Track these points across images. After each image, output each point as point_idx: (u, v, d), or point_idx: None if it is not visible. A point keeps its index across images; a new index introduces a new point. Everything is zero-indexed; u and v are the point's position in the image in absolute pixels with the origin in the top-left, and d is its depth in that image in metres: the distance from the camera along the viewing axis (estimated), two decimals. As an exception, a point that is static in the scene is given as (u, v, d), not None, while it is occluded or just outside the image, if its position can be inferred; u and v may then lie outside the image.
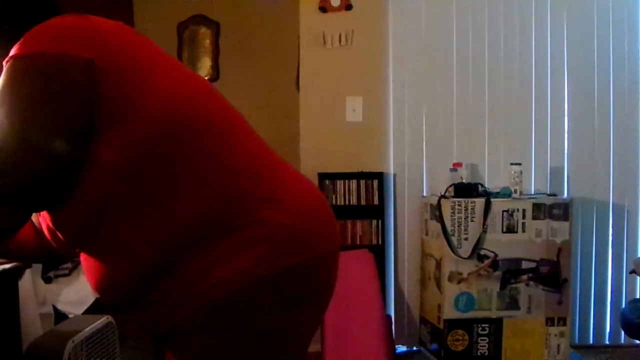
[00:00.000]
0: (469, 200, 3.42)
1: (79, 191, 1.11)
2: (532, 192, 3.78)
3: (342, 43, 3.84)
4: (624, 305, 3.64)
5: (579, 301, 3.85)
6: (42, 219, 1.24)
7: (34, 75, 1.10)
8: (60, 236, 1.20)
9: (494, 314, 3.43)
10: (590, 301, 3.89)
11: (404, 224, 3.90)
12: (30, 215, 1.19)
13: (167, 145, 1.12)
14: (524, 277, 3.42)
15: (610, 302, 3.89)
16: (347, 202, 3.74)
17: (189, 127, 1.15)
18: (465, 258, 3.38)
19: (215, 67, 4.71)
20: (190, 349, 1.15)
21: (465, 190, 3.50)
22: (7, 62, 1.12)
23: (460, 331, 3.42)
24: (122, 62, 1.14)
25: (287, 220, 1.15)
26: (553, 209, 3.43)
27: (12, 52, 1.13)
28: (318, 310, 1.26)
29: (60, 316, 3.09)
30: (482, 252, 3.40)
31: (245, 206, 1.13)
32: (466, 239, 3.40)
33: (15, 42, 1.14)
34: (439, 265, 3.47)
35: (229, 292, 1.10)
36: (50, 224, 1.20)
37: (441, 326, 3.44)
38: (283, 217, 1.15)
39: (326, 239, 1.24)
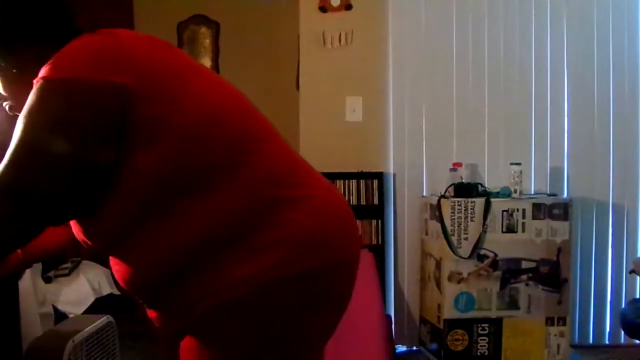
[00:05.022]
0: (469, 200, 3.42)
1: (111, 203, 1.14)
2: (532, 192, 3.78)
3: (342, 43, 3.84)
4: (624, 305, 3.64)
5: (579, 301, 3.85)
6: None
7: (61, 100, 1.11)
8: (90, 243, 1.23)
9: (493, 313, 3.43)
10: (590, 301, 3.89)
11: (404, 224, 3.90)
12: (42, 230, 1.20)
13: (199, 157, 1.14)
14: (524, 277, 3.42)
15: (610, 302, 3.89)
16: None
17: (221, 139, 1.16)
18: (465, 258, 3.38)
19: (215, 67, 4.71)
20: (208, 345, 1.16)
21: (465, 190, 3.50)
22: (37, 82, 1.13)
23: (460, 331, 3.42)
24: (154, 81, 1.14)
25: (311, 223, 1.17)
26: (553, 209, 3.43)
27: (42, 72, 1.13)
28: (336, 313, 1.27)
29: (60, 316, 3.09)
30: (482, 252, 3.40)
31: (271, 209, 1.15)
32: (466, 238, 3.40)
33: (41, 63, 1.15)
34: (438, 265, 3.47)
35: (249, 290, 1.11)
36: (80, 235, 1.23)
37: (441, 326, 3.44)
38: (307, 219, 1.17)
39: (348, 244, 1.25)
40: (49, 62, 1.13)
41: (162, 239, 1.14)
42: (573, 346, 3.69)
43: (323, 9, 3.83)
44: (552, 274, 3.43)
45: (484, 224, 3.39)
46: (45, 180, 1.09)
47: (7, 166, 1.09)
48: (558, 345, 3.47)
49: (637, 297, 3.86)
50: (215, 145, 1.15)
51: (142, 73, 1.13)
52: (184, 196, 1.13)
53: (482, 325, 3.43)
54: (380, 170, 3.83)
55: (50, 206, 1.11)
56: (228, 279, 1.12)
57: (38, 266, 3.26)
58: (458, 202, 3.41)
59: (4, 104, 1.31)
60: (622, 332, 3.60)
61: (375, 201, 3.77)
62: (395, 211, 3.90)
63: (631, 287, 3.87)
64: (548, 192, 3.78)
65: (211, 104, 1.19)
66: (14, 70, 1.25)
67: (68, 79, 1.10)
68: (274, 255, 1.13)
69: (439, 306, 3.47)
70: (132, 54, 1.15)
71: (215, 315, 1.13)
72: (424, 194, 3.86)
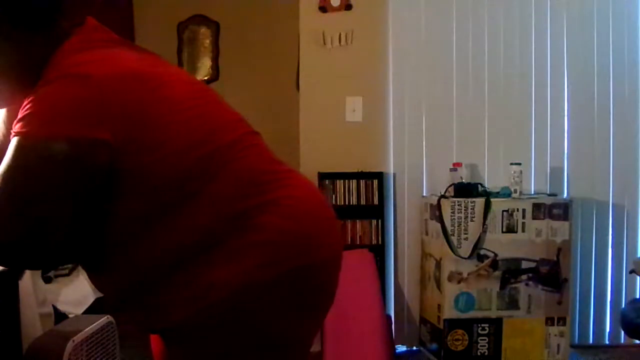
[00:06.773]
0: (469, 200, 3.42)
1: (96, 240, 1.14)
2: (532, 192, 3.78)
3: (342, 43, 3.83)
4: (624, 305, 3.64)
5: (579, 301, 3.85)
6: None
7: (42, 164, 1.05)
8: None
9: (493, 313, 3.43)
10: (590, 301, 3.89)
11: (404, 224, 3.89)
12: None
13: (176, 187, 1.13)
14: (524, 277, 3.42)
15: (610, 302, 3.88)
16: (347, 202, 3.74)
17: (196, 168, 1.14)
18: (465, 258, 3.38)
19: (215, 67, 4.72)
20: (189, 349, 1.16)
21: (465, 190, 3.50)
22: (14, 135, 1.07)
23: (460, 331, 3.42)
24: (131, 133, 1.09)
25: (287, 225, 1.16)
26: (553, 209, 3.43)
27: (20, 125, 1.06)
28: (317, 315, 1.26)
29: (60, 316, 3.08)
30: (482, 252, 3.40)
31: (247, 212, 1.14)
32: (466, 238, 3.40)
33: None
34: (438, 265, 3.47)
35: (227, 294, 1.11)
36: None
37: (441, 326, 3.44)
38: (283, 222, 1.16)
39: (327, 245, 1.24)
40: (27, 111, 1.06)
41: (138, 255, 1.14)
42: (573, 346, 3.69)
43: (323, 8, 3.83)
44: (552, 274, 3.43)
45: (484, 224, 3.39)
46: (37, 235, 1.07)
47: None
48: (558, 345, 3.47)
49: (637, 297, 3.86)
50: (191, 174, 1.13)
51: (118, 126, 1.07)
52: (159, 218, 1.13)
53: (482, 325, 3.43)
54: (380, 170, 3.83)
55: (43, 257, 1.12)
56: (211, 281, 1.11)
57: (38, 266, 3.26)
58: (458, 202, 3.41)
59: None
60: (622, 332, 3.59)
61: (375, 201, 3.77)
62: (395, 211, 3.90)
63: (631, 287, 3.87)
64: (548, 192, 3.78)
65: (187, 134, 1.14)
66: None
67: (45, 137, 1.05)
68: (255, 258, 1.12)
69: (439, 306, 3.47)
70: (111, 100, 1.08)
71: (200, 319, 1.13)
72: (424, 194, 3.85)
